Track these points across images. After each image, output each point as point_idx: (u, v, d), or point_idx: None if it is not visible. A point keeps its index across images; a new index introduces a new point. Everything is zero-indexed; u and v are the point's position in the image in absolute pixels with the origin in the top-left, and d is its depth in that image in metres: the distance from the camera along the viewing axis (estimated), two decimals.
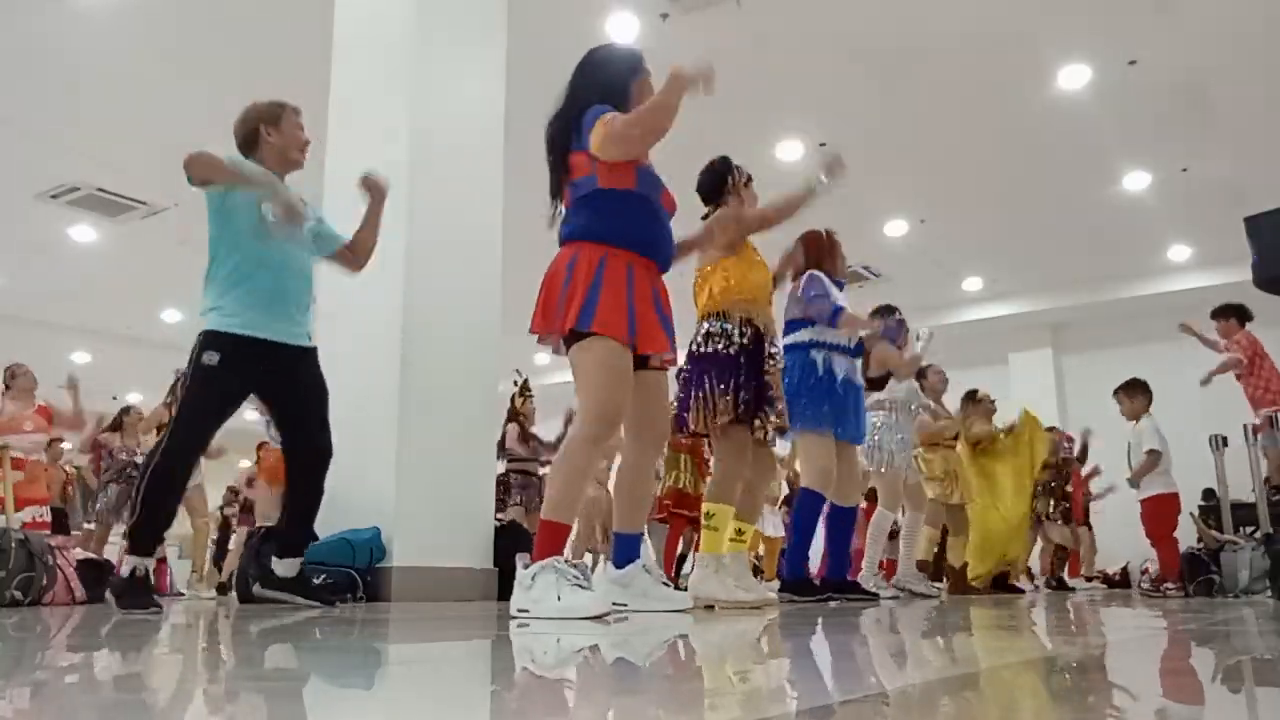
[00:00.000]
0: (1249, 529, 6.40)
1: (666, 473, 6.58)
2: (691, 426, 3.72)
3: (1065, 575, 8.59)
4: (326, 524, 4.09)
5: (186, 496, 4.78)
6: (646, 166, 2.99)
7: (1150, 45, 6.59)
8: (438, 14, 5.00)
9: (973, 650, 1.83)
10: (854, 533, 5.12)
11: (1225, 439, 6.34)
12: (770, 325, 3.90)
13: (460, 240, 4.87)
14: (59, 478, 9.02)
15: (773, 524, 8.50)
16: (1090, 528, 9.22)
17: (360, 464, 4.33)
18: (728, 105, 6.99)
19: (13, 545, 4.06)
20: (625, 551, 3.12)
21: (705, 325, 3.81)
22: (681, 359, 3.63)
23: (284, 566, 3.55)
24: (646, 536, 4.57)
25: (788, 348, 4.41)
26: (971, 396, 6.88)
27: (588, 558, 7.78)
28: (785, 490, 8.80)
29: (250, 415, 5.80)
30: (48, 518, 7.00)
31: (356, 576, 4.23)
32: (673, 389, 3.71)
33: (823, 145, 7.98)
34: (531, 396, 7.50)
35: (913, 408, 5.76)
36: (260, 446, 8.51)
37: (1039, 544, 8.69)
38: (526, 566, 2.70)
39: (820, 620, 2.78)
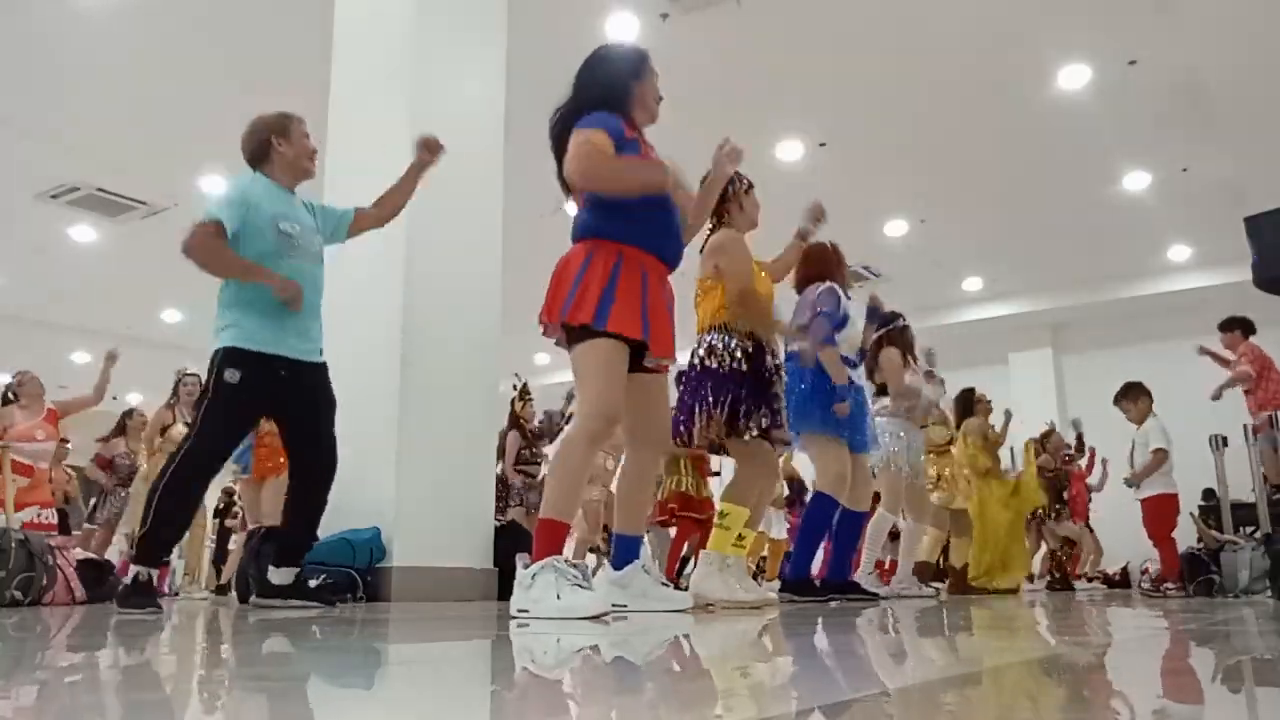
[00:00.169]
0: (1249, 529, 6.40)
1: (667, 476, 6.58)
2: (696, 442, 3.72)
3: (1069, 572, 8.57)
4: (326, 524, 4.08)
5: None
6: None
7: (1150, 45, 6.59)
8: (438, 14, 5.00)
9: (973, 650, 1.83)
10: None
11: (1225, 439, 6.35)
12: (772, 337, 3.90)
13: (460, 240, 4.87)
14: (61, 479, 9.01)
15: (777, 526, 8.51)
16: (1091, 529, 9.22)
17: (360, 464, 4.32)
18: (728, 105, 7.01)
19: (13, 545, 4.06)
20: (625, 553, 3.12)
21: (708, 339, 3.78)
22: (683, 361, 3.63)
23: (280, 575, 3.54)
24: (645, 538, 4.57)
25: (797, 356, 4.40)
26: (968, 399, 6.88)
27: (590, 559, 7.78)
28: (785, 490, 8.79)
29: None
30: (54, 519, 6.99)
31: (356, 577, 4.23)
32: (672, 393, 3.71)
33: (822, 145, 8.00)
34: (531, 400, 7.49)
35: (932, 409, 5.84)
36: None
37: (1040, 546, 8.69)
38: (526, 566, 2.70)
39: (820, 620, 2.78)
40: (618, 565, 3.10)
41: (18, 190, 8.64)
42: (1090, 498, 9.22)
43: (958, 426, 6.84)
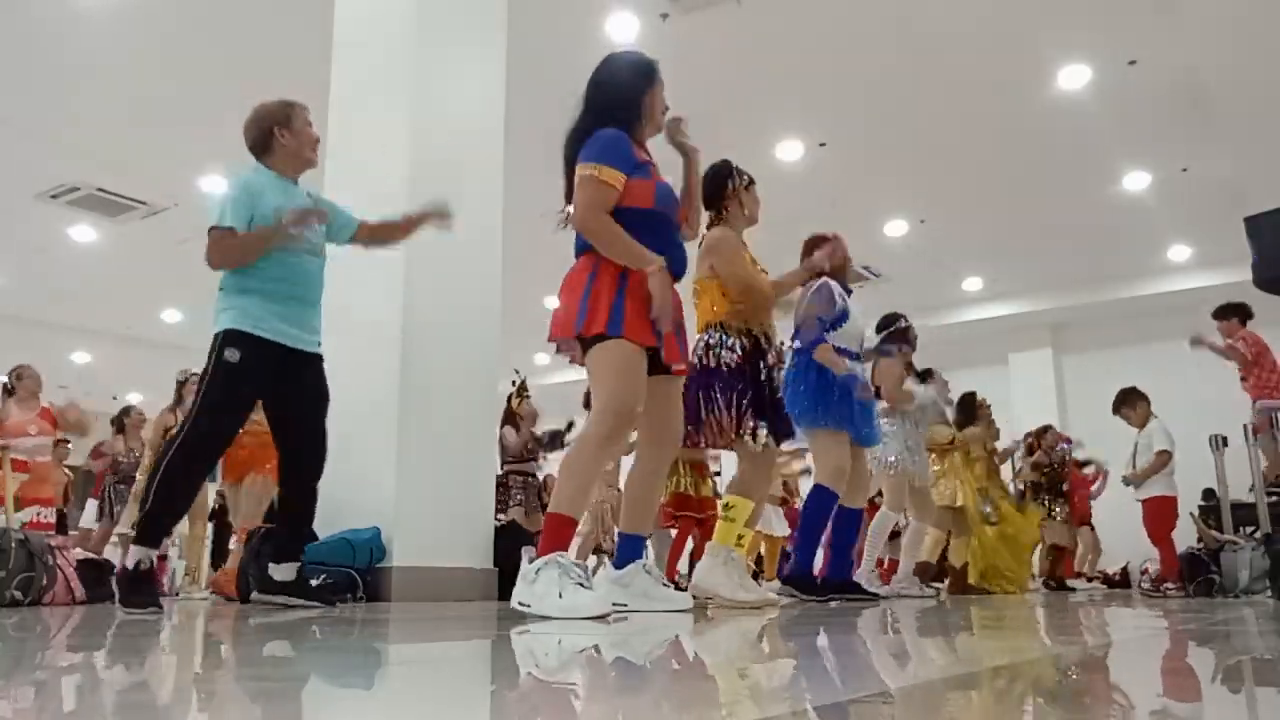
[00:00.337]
0: (1249, 529, 6.40)
1: (667, 478, 6.57)
2: (705, 444, 3.75)
3: (1063, 576, 8.58)
4: (326, 524, 4.09)
5: None
6: (664, 183, 3.04)
7: (1150, 45, 6.59)
8: (438, 14, 5.00)
9: (973, 650, 1.83)
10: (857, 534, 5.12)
11: (1225, 439, 6.35)
12: (771, 332, 3.91)
13: (460, 240, 4.85)
14: (60, 479, 9.02)
15: (777, 523, 8.48)
16: (1093, 528, 9.22)
17: (360, 464, 4.33)
18: (728, 105, 7.01)
19: (13, 545, 4.05)
20: (628, 552, 3.12)
21: (705, 337, 3.81)
22: None
23: (281, 571, 3.54)
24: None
25: (804, 350, 4.41)
26: (969, 404, 6.84)
27: (591, 560, 7.77)
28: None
29: None
30: (52, 519, 7.00)
31: (356, 576, 4.22)
32: None
33: (822, 145, 8.00)
34: (529, 397, 7.47)
35: (940, 409, 5.85)
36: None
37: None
38: (532, 560, 2.71)
39: (820, 620, 2.78)
40: (620, 564, 3.10)
41: (18, 190, 8.64)
42: (1095, 496, 9.25)
43: (959, 429, 6.83)
